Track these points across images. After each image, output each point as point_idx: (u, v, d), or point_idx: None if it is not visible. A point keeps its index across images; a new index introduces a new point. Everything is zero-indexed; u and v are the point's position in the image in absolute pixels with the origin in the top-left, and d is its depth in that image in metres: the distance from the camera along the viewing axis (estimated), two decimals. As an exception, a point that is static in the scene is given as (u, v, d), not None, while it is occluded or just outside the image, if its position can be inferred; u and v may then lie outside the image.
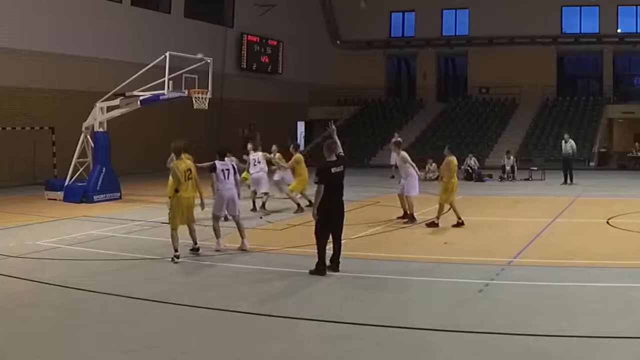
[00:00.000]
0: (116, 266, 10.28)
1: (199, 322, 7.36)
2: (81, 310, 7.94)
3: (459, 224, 13.49)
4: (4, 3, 22.20)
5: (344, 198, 9.60)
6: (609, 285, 8.57)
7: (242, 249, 11.14)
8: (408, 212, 14.50)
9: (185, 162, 10.64)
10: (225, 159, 11.87)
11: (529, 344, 6.47)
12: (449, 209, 13.86)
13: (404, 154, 14.85)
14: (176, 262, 10.21)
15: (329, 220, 9.32)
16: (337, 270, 9.36)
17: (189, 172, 10.53)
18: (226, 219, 12.18)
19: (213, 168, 11.61)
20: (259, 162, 16.00)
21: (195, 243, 10.90)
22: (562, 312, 7.47)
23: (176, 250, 10.33)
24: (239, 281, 9.25)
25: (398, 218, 14.57)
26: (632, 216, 14.23)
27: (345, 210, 9.61)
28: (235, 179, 11.87)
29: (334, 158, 9.55)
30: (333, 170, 9.37)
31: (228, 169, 11.62)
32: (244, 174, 15.98)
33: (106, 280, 9.29)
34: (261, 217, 14.91)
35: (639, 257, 10.14)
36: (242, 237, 11.26)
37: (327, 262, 9.32)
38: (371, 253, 10.85)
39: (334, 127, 10.50)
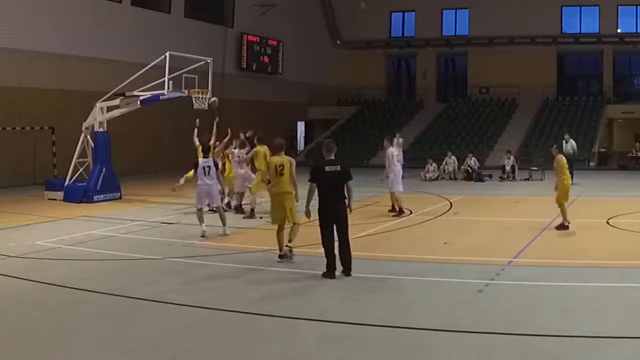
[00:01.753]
0: (116, 266, 10.29)
1: (199, 322, 7.36)
2: (81, 310, 7.94)
3: (565, 225, 12.77)
4: (4, 3, 22.19)
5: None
6: (609, 285, 8.57)
7: (224, 234, 12.48)
8: (396, 207, 15.19)
9: (281, 157, 10.34)
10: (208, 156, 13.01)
11: (529, 344, 6.47)
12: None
13: (391, 150, 15.56)
14: (280, 261, 10.06)
15: (324, 219, 9.15)
16: (349, 274, 9.13)
17: (281, 167, 10.18)
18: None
19: (195, 165, 12.81)
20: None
21: (280, 250, 10.32)
22: (562, 312, 7.47)
23: (280, 250, 10.15)
24: (239, 281, 9.25)
25: (389, 212, 15.32)
26: (632, 216, 14.23)
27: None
28: (217, 175, 13.07)
29: (332, 157, 9.46)
30: (327, 169, 9.22)
31: (209, 166, 12.77)
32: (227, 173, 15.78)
33: (106, 280, 9.29)
34: (261, 217, 14.88)
35: (639, 257, 10.13)
36: (223, 225, 12.63)
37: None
38: (371, 253, 10.84)
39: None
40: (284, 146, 10.68)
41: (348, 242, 9.27)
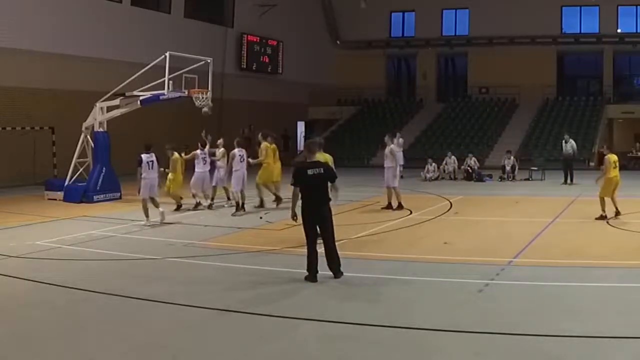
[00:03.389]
0: (116, 266, 10.30)
1: (199, 322, 7.36)
2: (81, 310, 7.94)
3: (616, 214, 14.07)
4: (4, 3, 22.20)
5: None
6: (609, 285, 8.57)
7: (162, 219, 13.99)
8: (394, 203, 15.77)
9: (323, 155, 11.12)
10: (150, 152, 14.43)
11: (529, 344, 6.47)
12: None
13: (394, 147, 16.12)
14: None
15: (308, 221, 9.03)
16: (338, 276, 9.04)
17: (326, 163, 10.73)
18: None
19: (139, 160, 14.16)
20: (244, 160, 15.86)
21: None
22: (562, 312, 7.47)
23: None
24: (239, 281, 9.25)
25: (383, 209, 15.82)
26: (632, 216, 14.24)
27: (333, 213, 9.35)
28: (158, 169, 14.60)
29: (314, 159, 9.42)
30: (309, 172, 9.08)
31: (152, 160, 14.33)
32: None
33: (106, 280, 9.29)
34: (261, 217, 14.90)
35: (639, 257, 10.13)
36: (157, 207, 14.19)
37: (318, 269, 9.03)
38: (371, 253, 10.84)
39: None
40: (323, 145, 11.48)
41: (335, 247, 9.12)
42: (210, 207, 16.35)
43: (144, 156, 14.26)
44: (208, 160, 16.61)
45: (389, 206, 15.79)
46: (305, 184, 9.07)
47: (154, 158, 14.45)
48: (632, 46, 36.61)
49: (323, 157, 11.05)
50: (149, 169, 14.22)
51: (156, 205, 14.27)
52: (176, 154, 16.20)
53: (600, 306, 7.68)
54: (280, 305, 7.96)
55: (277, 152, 17.14)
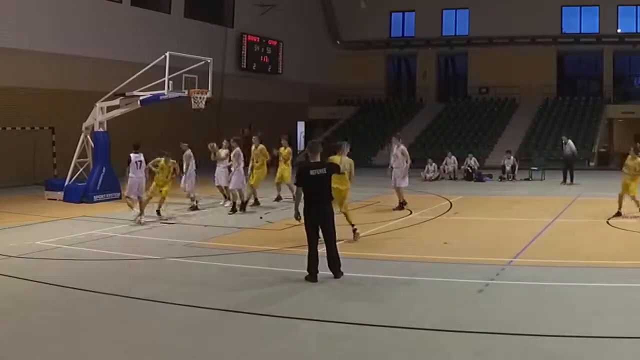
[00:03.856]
0: (116, 266, 10.30)
1: (199, 322, 7.36)
2: (81, 310, 7.94)
3: (618, 214, 14.08)
4: (4, 3, 22.19)
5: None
6: (609, 285, 8.57)
7: (140, 222, 13.99)
8: (404, 200, 16.03)
9: (340, 157, 11.60)
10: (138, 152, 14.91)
11: (529, 344, 6.47)
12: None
13: (403, 147, 16.21)
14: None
15: (310, 220, 9.04)
16: (338, 276, 9.06)
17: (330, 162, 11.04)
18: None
19: (129, 160, 14.66)
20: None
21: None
22: (562, 312, 7.47)
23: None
24: (239, 281, 9.25)
25: (394, 209, 15.90)
26: (632, 216, 14.23)
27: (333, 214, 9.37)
28: (144, 169, 14.94)
29: (317, 159, 9.44)
30: (312, 172, 9.10)
31: (140, 161, 14.84)
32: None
33: (106, 280, 9.29)
34: (261, 217, 14.92)
35: (639, 257, 10.13)
36: (141, 210, 14.21)
37: (318, 270, 9.05)
38: (371, 253, 10.84)
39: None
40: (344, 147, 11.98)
41: (336, 247, 9.14)
42: (197, 205, 16.56)
43: (132, 155, 14.74)
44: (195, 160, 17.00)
45: (403, 205, 15.95)
46: (308, 184, 9.09)
47: (142, 158, 14.86)
48: (632, 46, 36.62)
49: (340, 158, 11.37)
50: (136, 168, 14.69)
51: (132, 206, 14.60)
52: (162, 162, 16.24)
53: (600, 306, 7.67)
54: (280, 305, 7.96)
55: (290, 156, 17.97)
